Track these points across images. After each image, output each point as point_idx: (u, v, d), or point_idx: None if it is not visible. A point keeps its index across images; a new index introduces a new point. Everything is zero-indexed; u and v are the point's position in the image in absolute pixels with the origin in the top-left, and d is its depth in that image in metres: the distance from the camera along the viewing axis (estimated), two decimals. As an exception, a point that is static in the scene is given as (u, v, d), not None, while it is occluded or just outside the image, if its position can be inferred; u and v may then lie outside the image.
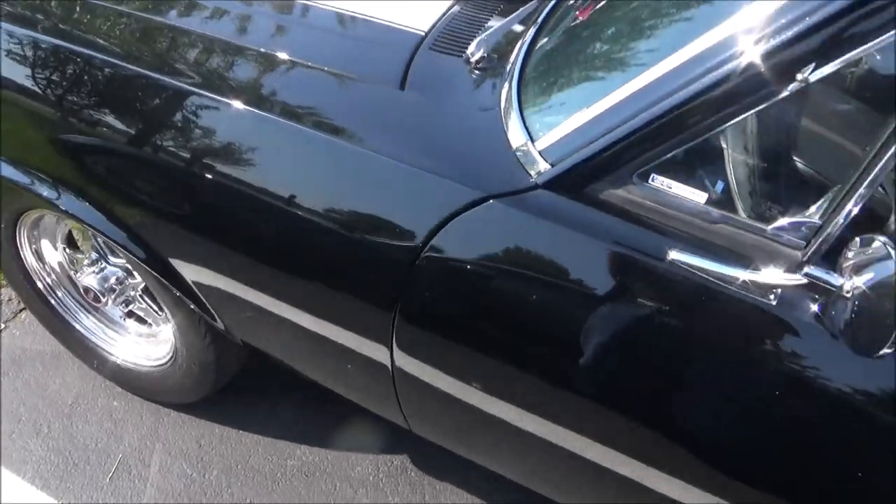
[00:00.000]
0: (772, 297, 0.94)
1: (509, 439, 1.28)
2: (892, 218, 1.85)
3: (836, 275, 0.88)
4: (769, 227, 0.97)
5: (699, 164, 1.06)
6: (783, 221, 0.96)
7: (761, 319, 0.95)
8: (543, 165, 1.05)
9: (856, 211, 0.90)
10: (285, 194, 1.20)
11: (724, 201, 1.01)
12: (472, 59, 1.28)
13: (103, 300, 1.61)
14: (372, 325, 1.22)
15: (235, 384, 1.79)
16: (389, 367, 1.26)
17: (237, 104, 1.25)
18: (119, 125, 1.33)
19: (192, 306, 1.45)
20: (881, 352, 0.81)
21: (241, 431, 1.77)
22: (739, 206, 1.02)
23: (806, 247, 0.94)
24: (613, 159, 1.00)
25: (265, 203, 1.21)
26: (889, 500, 1.00)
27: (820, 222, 0.93)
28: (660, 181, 1.01)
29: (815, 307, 0.94)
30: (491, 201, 1.06)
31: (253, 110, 1.24)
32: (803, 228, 0.95)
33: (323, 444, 1.76)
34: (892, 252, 0.82)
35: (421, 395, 1.29)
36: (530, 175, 1.06)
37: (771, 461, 1.04)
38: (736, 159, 1.06)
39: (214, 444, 1.74)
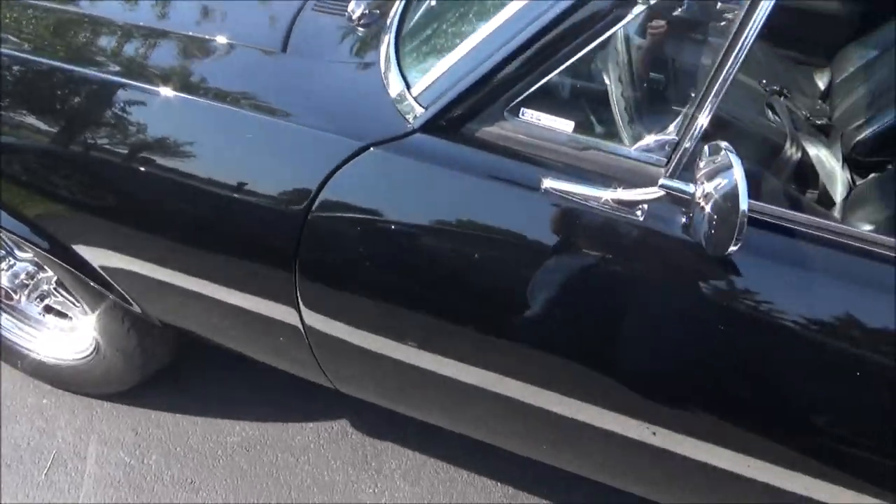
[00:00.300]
0: (639, 213, 0.98)
1: (428, 387, 1.31)
2: (787, 144, 1.93)
3: (690, 184, 0.93)
4: (633, 148, 1.01)
5: (566, 95, 1.09)
6: (645, 141, 1.01)
7: (631, 235, 0.99)
8: (419, 110, 1.07)
9: (706, 123, 0.94)
10: (174, 165, 1.19)
11: (592, 128, 1.05)
12: (354, 17, 1.29)
13: (16, 297, 1.59)
14: (276, 288, 1.23)
15: (170, 368, 1.80)
16: (301, 328, 1.28)
17: (120, 80, 1.24)
18: (7, 116, 1.31)
19: (103, 292, 1.44)
20: (728, 250, 0.86)
21: (177, 415, 1.77)
22: (606, 131, 1.06)
23: (667, 163, 0.98)
24: (482, 97, 1.03)
25: (156, 176, 1.21)
26: (758, 392, 1.08)
27: (677, 138, 0.97)
28: (530, 114, 1.04)
29: (683, 219, 0.99)
30: (371, 149, 1.07)
31: (137, 84, 1.23)
32: (664, 146, 1.00)
33: (262, 418, 1.78)
34: (733, 158, 0.87)
35: (336, 352, 1.31)
36: (408, 121, 1.08)
37: (653, 366, 1.10)
38: (600, 87, 1.10)
39: (151, 429, 1.74)
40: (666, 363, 1.11)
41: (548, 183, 1.00)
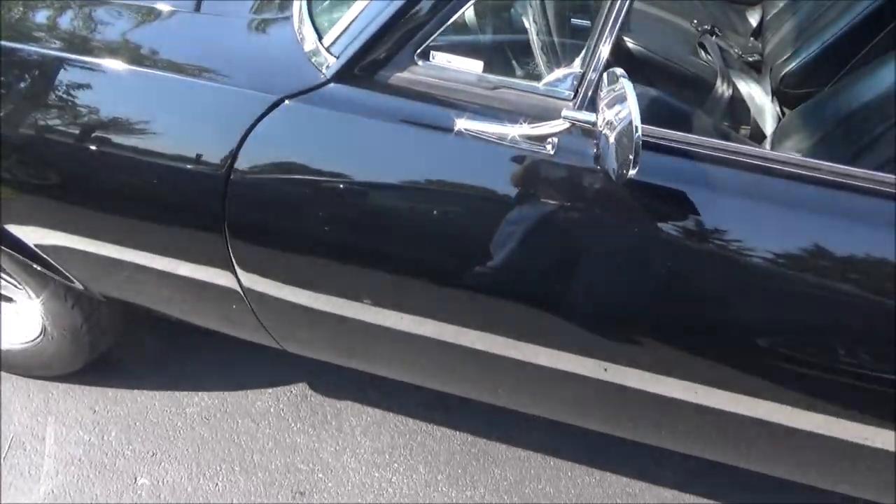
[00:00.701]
0: (549, 147, 1.00)
1: (371, 338, 1.34)
2: (718, 82, 1.97)
3: (593, 114, 0.95)
4: (541, 84, 1.03)
5: (478, 36, 1.10)
6: (552, 76, 1.03)
7: (543, 169, 1.02)
8: (331, 60, 1.08)
9: (607, 53, 0.96)
10: (96, 135, 1.18)
11: (501, 67, 1.07)
12: (268, -27, 1.28)
13: (-44, 285, 1.57)
14: (210, 253, 1.23)
15: (124, 345, 1.80)
16: (240, 291, 1.29)
17: (31, 49, 1.21)
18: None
19: (43, 272, 1.44)
20: (629, 174, 0.89)
21: (135, 390, 1.78)
22: (514, 69, 1.07)
23: (574, 95, 1.00)
24: (391, 42, 1.03)
25: (78, 147, 1.20)
26: (692, 318, 1.12)
27: (582, 70, 0.99)
28: (440, 57, 1.05)
29: (594, 150, 1.01)
30: (286, 102, 1.08)
31: (51, 53, 1.21)
32: (570, 79, 1.02)
33: (220, 387, 1.80)
34: (626, 84, 0.89)
35: (277, 312, 1.33)
36: (321, 72, 1.08)
37: (588, 301, 1.13)
38: (507, 26, 1.11)
39: (109, 406, 1.75)
40: (600, 297, 1.15)
41: (461, 124, 1.02)
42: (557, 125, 0.96)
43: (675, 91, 1.89)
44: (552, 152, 1.00)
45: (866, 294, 1.06)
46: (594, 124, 0.93)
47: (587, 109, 0.98)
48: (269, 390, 1.80)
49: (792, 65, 1.85)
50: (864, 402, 1.15)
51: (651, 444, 1.53)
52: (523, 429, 1.73)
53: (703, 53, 2.00)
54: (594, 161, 1.00)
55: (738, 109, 1.95)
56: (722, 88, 1.90)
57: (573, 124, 0.96)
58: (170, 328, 1.86)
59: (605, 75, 0.93)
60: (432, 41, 1.03)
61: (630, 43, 1.88)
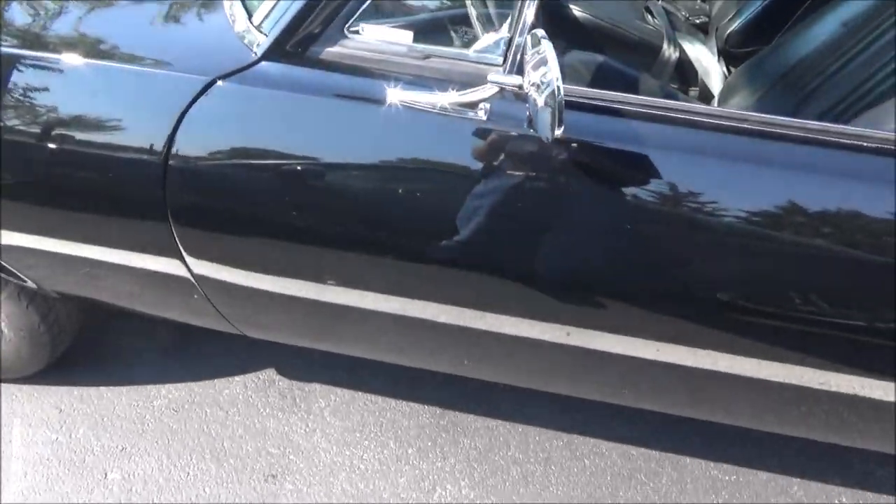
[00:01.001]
0: (481, 112, 1.01)
1: (326, 316, 1.35)
2: (664, 45, 1.98)
3: (518, 77, 0.96)
4: (472, 51, 1.04)
5: (405, 6, 1.10)
6: (482, 43, 1.03)
7: (479, 135, 1.02)
8: (261, 38, 1.07)
9: (531, 17, 0.97)
10: (31, 128, 1.17)
11: (431, 37, 1.07)
12: (198, -44, 1.26)
13: None
14: (156, 241, 1.23)
15: (87, 343, 1.79)
16: (192, 279, 1.29)
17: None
18: None
19: (-8, 272, 1.42)
20: (556, 134, 0.90)
21: (101, 387, 1.78)
22: (445, 38, 1.08)
23: (504, 61, 1.01)
24: (319, 18, 1.03)
25: (15, 143, 1.18)
26: (645, 275, 1.14)
27: (509, 35, 1.00)
28: (370, 30, 1.05)
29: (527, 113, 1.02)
30: (218, 83, 1.07)
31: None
32: (500, 44, 1.02)
33: (187, 378, 1.80)
34: (546, 45, 0.90)
35: (231, 296, 1.33)
36: (252, 51, 1.08)
37: (541, 266, 1.15)
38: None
39: (75, 404, 1.74)
40: (552, 261, 1.16)
41: (394, 95, 1.02)
42: (485, 90, 0.97)
43: (623, 56, 1.90)
44: (485, 118, 1.01)
45: (814, 242, 1.08)
46: (521, 87, 0.94)
47: (517, 73, 0.99)
48: (237, 378, 1.80)
49: (735, 24, 1.88)
50: (821, 348, 1.18)
51: (616, 403, 1.57)
52: (491, 398, 1.76)
53: (649, 18, 2.01)
54: (527, 124, 1.02)
55: (686, 71, 1.97)
56: (669, 52, 1.92)
57: (502, 89, 0.97)
58: (134, 322, 1.86)
59: (528, 38, 0.94)
60: (361, 14, 1.03)
61: (577, 10, 1.89)
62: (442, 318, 1.28)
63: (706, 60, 1.94)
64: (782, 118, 1.09)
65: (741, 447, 1.69)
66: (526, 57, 0.94)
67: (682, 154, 1.08)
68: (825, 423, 1.36)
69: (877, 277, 1.08)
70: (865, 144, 1.04)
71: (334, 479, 1.61)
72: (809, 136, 1.06)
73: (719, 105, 1.77)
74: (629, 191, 1.08)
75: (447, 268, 1.18)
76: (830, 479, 1.66)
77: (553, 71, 0.86)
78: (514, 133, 1.02)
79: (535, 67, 0.93)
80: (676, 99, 1.77)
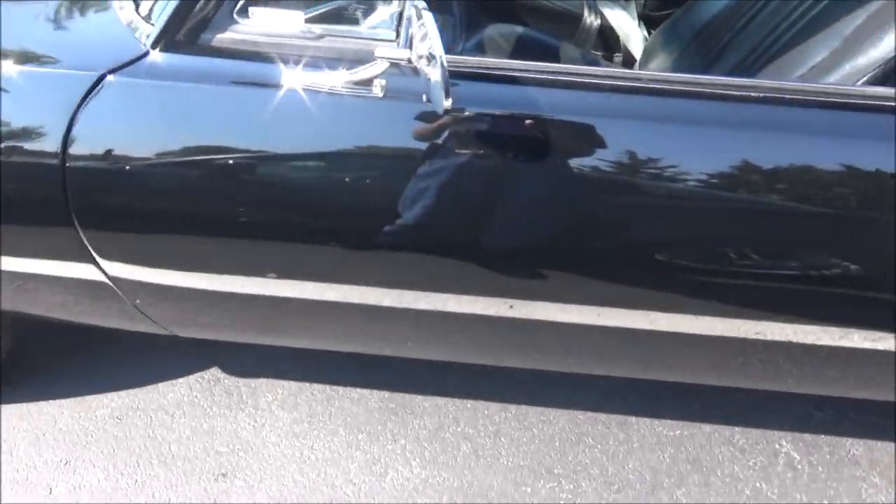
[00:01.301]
0: (378, 89, 1.00)
1: (252, 308, 1.33)
2: (585, 13, 1.98)
3: (406, 50, 0.95)
4: (364, 28, 1.02)
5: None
6: (373, 19, 1.02)
7: (377, 112, 1.02)
8: (148, 28, 1.04)
9: (422, -12, 0.96)
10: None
11: (326, 15, 1.05)
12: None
13: None
14: (67, 247, 1.20)
15: (22, 358, 1.74)
16: (109, 282, 1.26)
17: None
18: None
19: None
20: (446, 105, 0.89)
21: (41, 402, 1.73)
22: (341, 16, 1.06)
23: (397, 35, 1.00)
24: (208, 4, 1.00)
25: None
26: (573, 238, 1.16)
27: (400, 9, 0.99)
28: (260, 13, 1.03)
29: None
30: (108, 78, 1.04)
31: None
32: (392, 19, 1.01)
33: (130, 385, 1.76)
34: (426, 15, 0.89)
35: (154, 296, 1.30)
36: (142, 43, 1.05)
37: (458, 234, 1.15)
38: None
39: (14, 422, 1.70)
40: (493, 235, 1.16)
41: (288, 77, 1.01)
42: (376, 67, 0.96)
43: (545, 27, 1.90)
44: (381, 94, 1.00)
45: (739, 196, 1.10)
46: (409, 60, 0.93)
47: (408, 47, 0.98)
48: (181, 380, 1.78)
49: (651, -13, 1.89)
50: (754, 300, 1.21)
51: (561, 370, 1.59)
52: (438, 376, 1.77)
53: (569, -14, 2.02)
54: (425, 98, 1.01)
55: (608, 38, 1.98)
56: (590, 19, 1.93)
57: (391, 64, 0.96)
58: (70, 333, 1.81)
59: (412, 11, 0.93)
60: (248, -2, 1.01)
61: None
62: (385, 302, 1.27)
63: (627, 26, 1.95)
64: (697, 76, 1.11)
65: (684, 402, 1.73)
66: (412, 30, 0.93)
67: (605, 119, 1.08)
68: (762, 371, 1.39)
69: (801, 227, 1.11)
70: (776, 96, 1.07)
71: (285, 471, 1.60)
72: (723, 91, 1.08)
73: (640, 68, 1.78)
74: (558, 160, 1.08)
75: (386, 251, 1.17)
76: (771, 425, 1.71)
77: (435, 42, 0.85)
78: (401, 103, 1.01)
79: (423, 40, 0.92)
80: (597, 65, 1.78)
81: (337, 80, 0.98)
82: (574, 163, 1.08)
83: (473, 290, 1.23)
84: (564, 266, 1.21)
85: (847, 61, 1.18)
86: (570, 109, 1.06)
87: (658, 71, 1.68)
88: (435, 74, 0.88)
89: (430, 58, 0.90)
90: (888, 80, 1.15)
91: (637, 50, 1.91)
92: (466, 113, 1.01)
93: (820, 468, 1.63)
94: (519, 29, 1.73)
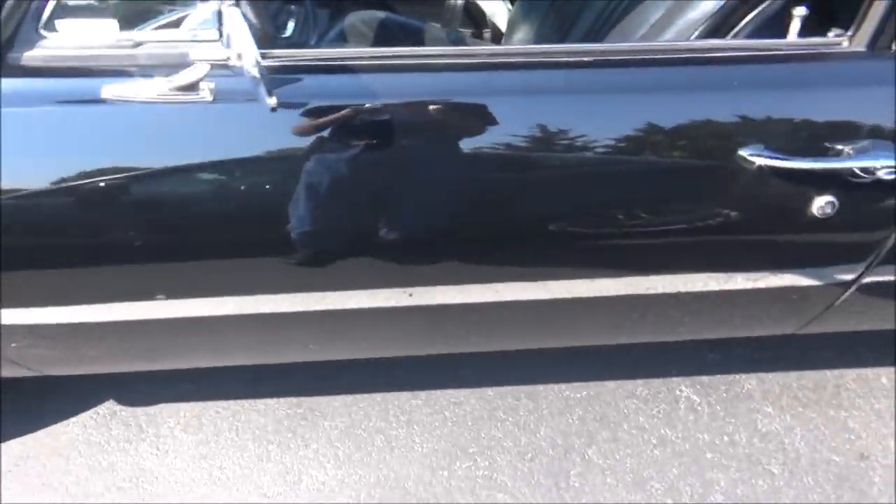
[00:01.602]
0: (206, 93, 0.96)
1: (144, 333, 1.27)
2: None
3: (225, 49, 0.91)
4: (184, 30, 0.98)
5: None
6: (191, 20, 0.98)
7: (205, 118, 0.97)
8: (-56, 56, 0.96)
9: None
10: None
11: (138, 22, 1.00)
12: None
13: None
14: None
15: None
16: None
17: None
18: None
19: None
20: (271, 103, 0.86)
21: (-83, 467, 1.61)
22: (154, 21, 1.01)
23: (221, 35, 0.96)
24: (8, 22, 0.93)
25: None
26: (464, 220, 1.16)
27: (219, 7, 0.95)
28: (68, 25, 0.96)
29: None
30: None
31: None
32: (214, 18, 0.97)
33: (18, 433, 1.65)
34: (234, 13, 0.85)
35: (31, 338, 1.21)
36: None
37: (335, 230, 1.14)
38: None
39: None
40: (387, 226, 1.13)
41: (107, 91, 0.95)
42: (196, 70, 0.91)
43: (412, 8, 1.89)
44: (211, 98, 0.96)
45: (611, 158, 1.12)
46: (228, 60, 0.89)
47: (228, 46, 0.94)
48: (73, 419, 1.68)
49: (509, -40, 1.90)
50: (643, 256, 1.25)
51: (467, 350, 1.60)
52: (343, 375, 1.75)
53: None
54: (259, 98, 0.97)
55: (475, 15, 1.98)
56: (453, -2, 1.92)
57: (219, 65, 0.92)
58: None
59: (221, 9, 0.89)
60: (54, 9, 0.94)
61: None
62: (283, 308, 1.23)
63: (492, 2, 1.96)
64: (556, 45, 1.12)
65: (588, 364, 1.78)
66: (224, 29, 0.89)
67: (471, 97, 1.08)
68: (657, 323, 1.44)
69: (673, 182, 1.15)
70: (615, 59, 1.10)
71: (194, 495, 1.55)
72: (576, 59, 1.10)
73: (505, 42, 1.80)
74: (432, 142, 1.07)
75: (276, 257, 1.14)
76: (669, 373, 1.78)
77: (247, 40, 0.82)
78: (231, 105, 0.97)
79: (238, 38, 0.88)
80: (463, 43, 1.78)
81: (159, 88, 0.93)
82: (455, 143, 1.07)
83: (371, 284, 1.22)
84: (459, 248, 1.21)
85: (680, 17, 1.22)
86: (410, 92, 1.05)
87: (521, 43, 1.70)
88: (254, 73, 0.85)
89: (241, 56, 0.87)
90: (718, 32, 1.20)
91: (503, 24, 1.93)
92: (319, 105, 0.98)
93: (718, 407, 1.72)
94: (380, 14, 1.71)
